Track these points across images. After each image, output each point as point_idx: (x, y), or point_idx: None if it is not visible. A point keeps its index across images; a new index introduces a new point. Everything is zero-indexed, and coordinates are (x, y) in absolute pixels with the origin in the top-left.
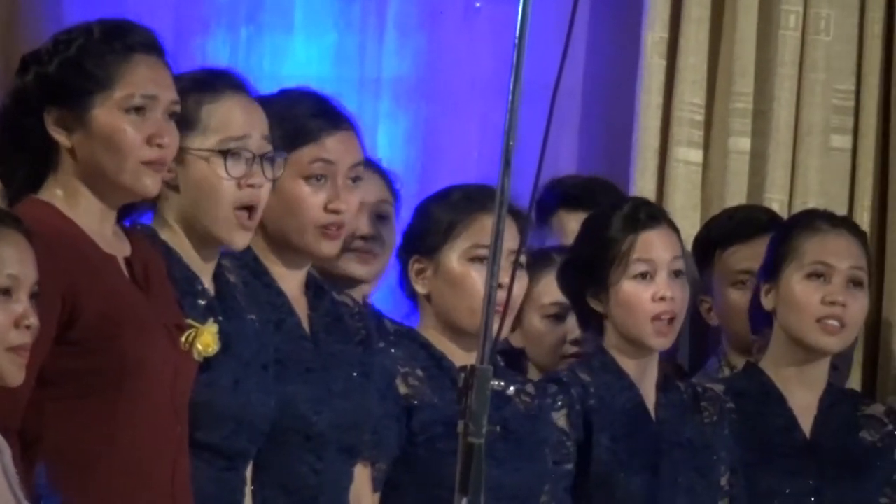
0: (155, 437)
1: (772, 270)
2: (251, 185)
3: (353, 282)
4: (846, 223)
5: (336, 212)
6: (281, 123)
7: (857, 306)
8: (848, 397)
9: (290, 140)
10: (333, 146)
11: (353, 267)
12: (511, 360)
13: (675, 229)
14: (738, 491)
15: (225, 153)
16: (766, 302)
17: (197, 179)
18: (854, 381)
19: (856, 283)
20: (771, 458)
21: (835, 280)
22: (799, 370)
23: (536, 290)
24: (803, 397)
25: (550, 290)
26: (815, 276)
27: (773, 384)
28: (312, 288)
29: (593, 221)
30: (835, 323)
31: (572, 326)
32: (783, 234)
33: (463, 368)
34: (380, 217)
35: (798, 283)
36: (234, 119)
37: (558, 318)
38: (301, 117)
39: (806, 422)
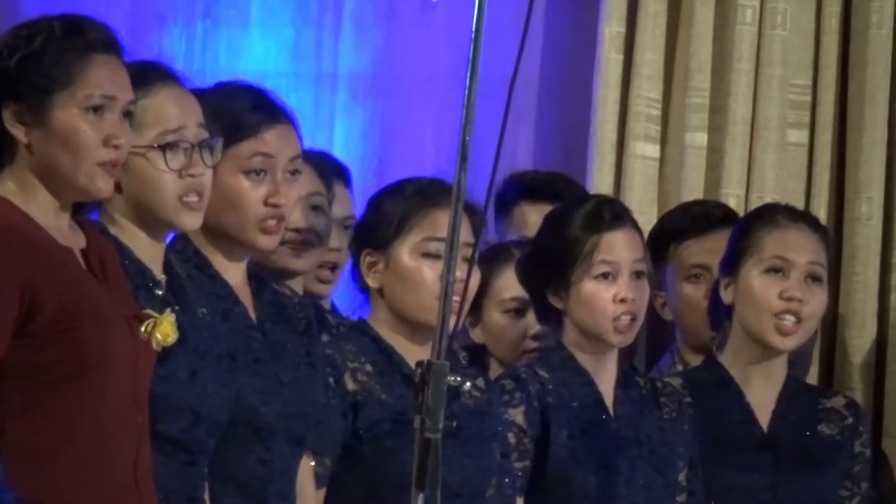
0: (116, 427)
1: (731, 264)
2: (192, 176)
3: (289, 274)
4: (807, 218)
5: (276, 206)
6: (219, 117)
7: (815, 302)
8: (808, 390)
9: (228, 134)
10: (272, 140)
11: (287, 260)
12: (473, 355)
13: (638, 229)
14: (697, 486)
15: (163, 147)
16: (725, 296)
17: (138, 177)
18: (811, 377)
19: (814, 278)
20: (728, 453)
21: (793, 275)
22: (757, 363)
23: (496, 285)
24: (762, 391)
25: (511, 285)
26: (773, 270)
27: (731, 378)
28: (254, 278)
29: (555, 217)
30: (791, 318)
31: (533, 321)
32: (743, 227)
33: (420, 364)
34: (314, 208)
35: (756, 278)
36: (168, 111)
37: (518, 312)
38: (239, 111)
39: (764, 416)
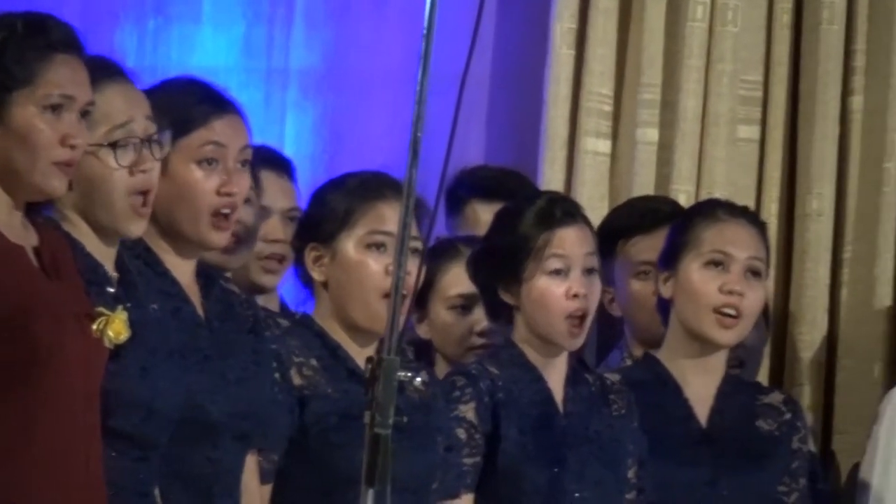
0: (68, 426)
1: (670, 259)
2: (142, 171)
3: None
4: (746, 213)
5: (229, 194)
6: (168, 111)
7: (754, 297)
8: (746, 387)
9: (179, 126)
10: (222, 129)
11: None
12: (419, 351)
13: (589, 225)
14: (647, 483)
15: (113, 144)
16: (664, 290)
17: (88, 174)
18: (762, 374)
19: (754, 273)
20: (667, 448)
21: (733, 269)
22: (695, 359)
23: (443, 282)
24: (700, 387)
25: (457, 282)
26: (713, 264)
27: (669, 374)
28: (202, 275)
29: (507, 214)
30: (731, 312)
31: (479, 318)
32: (683, 222)
33: (370, 359)
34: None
35: (696, 272)
36: (115, 107)
37: (465, 309)
38: (188, 103)
39: (702, 412)
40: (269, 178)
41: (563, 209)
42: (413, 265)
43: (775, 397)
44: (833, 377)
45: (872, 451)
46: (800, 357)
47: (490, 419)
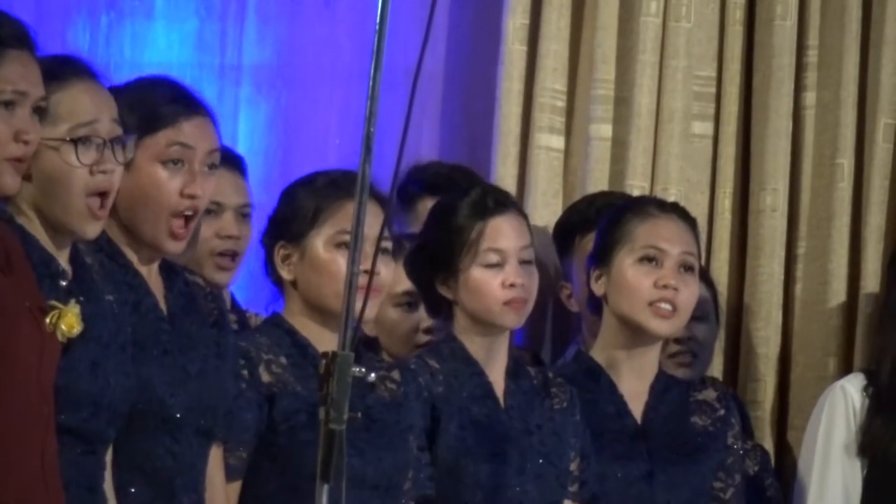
0: (23, 420)
1: (603, 256)
2: (103, 172)
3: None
4: (677, 209)
5: (192, 197)
6: (137, 108)
7: (689, 291)
8: (679, 384)
9: (146, 124)
10: (191, 131)
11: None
12: (366, 348)
13: (524, 215)
14: (589, 476)
15: (75, 141)
16: (597, 287)
17: (48, 169)
18: (716, 370)
19: (687, 267)
20: (603, 444)
21: (666, 264)
22: (629, 356)
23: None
24: (634, 383)
25: (402, 279)
26: (646, 260)
27: (602, 370)
28: (166, 268)
29: (440, 209)
30: (667, 307)
31: (425, 315)
32: (614, 219)
33: (324, 355)
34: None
35: (630, 268)
36: (81, 105)
37: (410, 306)
38: (158, 102)
39: (637, 408)
40: (221, 175)
41: (496, 199)
42: (384, 264)
43: (709, 394)
44: (787, 372)
45: (811, 445)
46: (755, 352)
47: (429, 414)
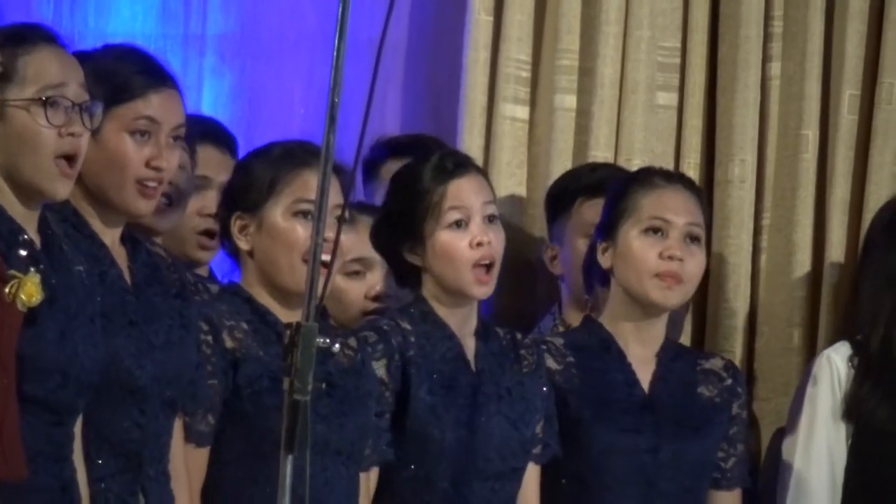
0: None
1: (609, 228)
2: (71, 134)
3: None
4: (682, 179)
5: (158, 169)
6: (105, 78)
7: (695, 262)
8: (686, 353)
9: (114, 94)
10: (158, 104)
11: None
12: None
13: (484, 174)
14: (552, 439)
15: (45, 102)
16: (604, 260)
17: (17, 130)
18: (684, 340)
19: (693, 238)
20: (610, 414)
21: (672, 235)
22: (636, 326)
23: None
24: (641, 353)
25: (351, 247)
26: (652, 231)
27: (612, 339)
28: (129, 239)
29: (401, 176)
30: (672, 278)
31: (373, 282)
32: (619, 191)
33: (288, 325)
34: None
35: (635, 239)
36: (50, 68)
37: (358, 274)
38: (126, 73)
39: (644, 378)
40: (209, 151)
41: (455, 161)
42: (344, 234)
43: (716, 363)
44: (753, 343)
45: (797, 412)
46: (723, 324)
47: (400, 377)
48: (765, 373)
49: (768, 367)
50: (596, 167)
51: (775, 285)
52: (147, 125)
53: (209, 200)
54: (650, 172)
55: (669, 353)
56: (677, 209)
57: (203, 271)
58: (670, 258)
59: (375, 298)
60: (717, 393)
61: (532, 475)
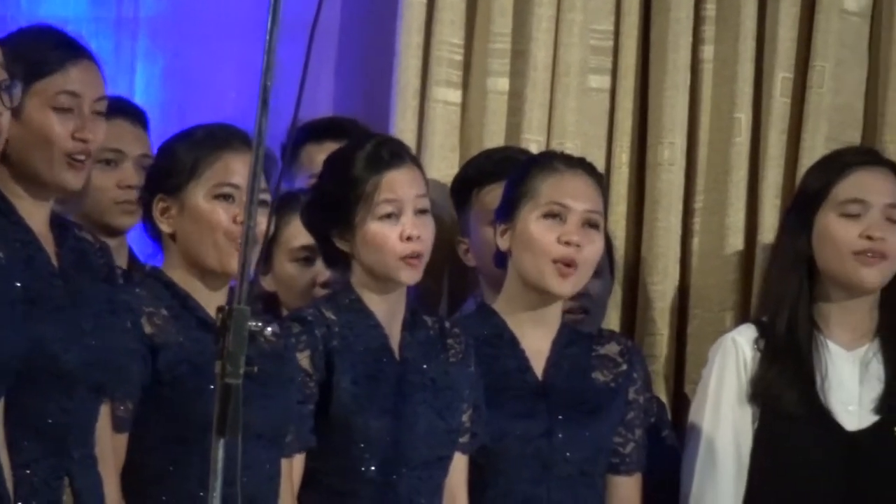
0: None
1: (508, 211)
2: None
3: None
4: (583, 165)
5: (84, 140)
6: (22, 55)
7: (593, 248)
8: (582, 338)
9: (34, 70)
10: (78, 76)
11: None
12: (266, 304)
13: (419, 165)
14: (480, 428)
15: None
16: (502, 242)
17: None
18: (613, 324)
19: (591, 224)
20: (503, 400)
21: (570, 220)
22: (532, 312)
23: (286, 234)
24: (536, 339)
25: (299, 234)
26: (550, 216)
27: (505, 325)
28: (57, 224)
29: (336, 160)
30: (569, 263)
31: (322, 269)
32: (520, 174)
33: (220, 309)
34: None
35: (533, 223)
36: None
37: (307, 261)
38: (43, 48)
39: (538, 364)
40: (122, 126)
41: (391, 151)
42: (262, 217)
43: (611, 348)
44: (685, 326)
45: (702, 396)
46: (653, 307)
47: (324, 367)
48: (697, 356)
49: (701, 351)
50: (492, 153)
51: (707, 268)
52: (69, 100)
53: (127, 173)
54: (551, 156)
55: (564, 339)
56: (577, 195)
57: (122, 247)
58: (567, 243)
59: (325, 285)
60: (612, 378)
61: (459, 464)
